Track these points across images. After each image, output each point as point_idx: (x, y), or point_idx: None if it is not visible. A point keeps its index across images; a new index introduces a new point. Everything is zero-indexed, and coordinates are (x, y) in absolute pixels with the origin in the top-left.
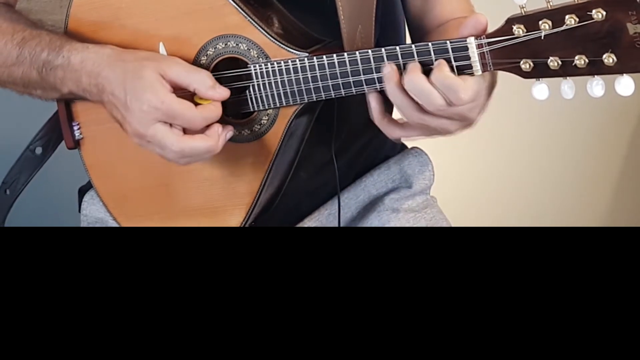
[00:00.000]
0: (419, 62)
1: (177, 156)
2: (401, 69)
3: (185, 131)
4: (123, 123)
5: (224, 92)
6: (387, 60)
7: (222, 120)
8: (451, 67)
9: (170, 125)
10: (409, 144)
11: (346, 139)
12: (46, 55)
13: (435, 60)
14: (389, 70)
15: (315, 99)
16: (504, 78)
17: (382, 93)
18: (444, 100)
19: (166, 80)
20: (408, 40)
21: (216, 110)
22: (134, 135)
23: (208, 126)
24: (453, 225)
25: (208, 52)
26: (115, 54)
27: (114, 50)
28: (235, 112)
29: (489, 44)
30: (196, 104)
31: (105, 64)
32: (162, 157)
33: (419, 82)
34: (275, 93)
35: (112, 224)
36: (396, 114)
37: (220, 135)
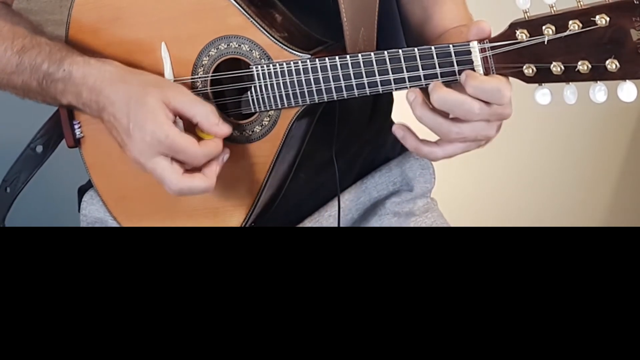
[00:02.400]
0: (421, 65)
1: (174, 192)
2: (403, 72)
3: (184, 165)
4: (123, 147)
5: (226, 130)
6: (390, 63)
7: (223, 120)
8: (453, 72)
9: (171, 158)
10: None
11: (346, 139)
12: (47, 67)
13: (439, 64)
14: (413, 96)
15: (317, 101)
16: None
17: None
18: (480, 104)
19: (170, 109)
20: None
21: (217, 147)
22: (133, 162)
23: (207, 162)
24: (453, 225)
25: (210, 52)
26: (118, 73)
27: (116, 68)
28: (237, 112)
29: (492, 48)
30: (197, 136)
31: (108, 83)
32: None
33: (449, 96)
34: (277, 94)
35: (112, 223)
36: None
37: (217, 173)
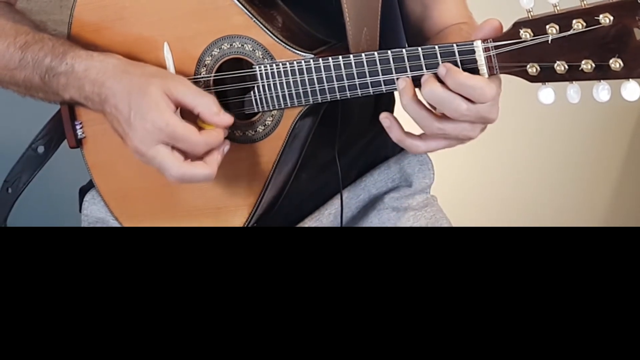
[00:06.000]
0: (425, 64)
1: (175, 180)
2: (407, 70)
3: (185, 154)
4: (124, 137)
5: (228, 120)
6: (393, 62)
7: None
8: None
9: (172, 147)
10: None
11: (347, 139)
12: (49, 61)
13: (443, 63)
14: (404, 84)
15: (320, 101)
16: (504, 79)
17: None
18: (467, 104)
19: (171, 99)
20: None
21: (218, 137)
22: (134, 151)
23: (208, 151)
24: (453, 224)
25: (213, 52)
26: (121, 65)
27: (119, 61)
28: (240, 112)
29: (496, 47)
30: (199, 127)
31: (110, 74)
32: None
33: (439, 91)
34: (280, 94)
35: (113, 223)
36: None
37: (219, 162)
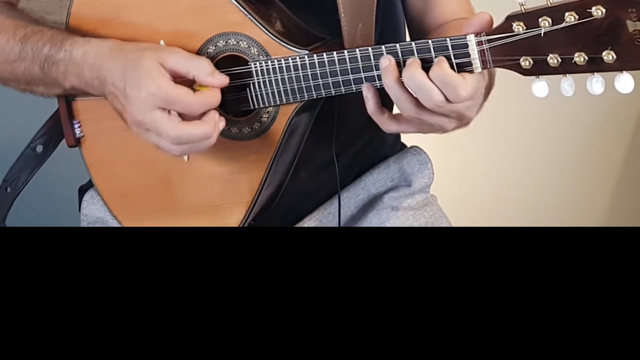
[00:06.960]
0: (419, 59)
1: (173, 142)
2: (401, 66)
3: (183, 118)
4: (123, 112)
5: (223, 79)
6: None
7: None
8: (451, 65)
9: (169, 112)
10: (409, 142)
11: (346, 139)
12: (48, 49)
13: (435, 57)
14: (387, 63)
15: (315, 97)
16: (504, 78)
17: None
18: (443, 97)
19: (166, 68)
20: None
21: (215, 96)
22: (132, 124)
23: (205, 112)
24: (453, 224)
25: (208, 49)
26: (116, 46)
27: (115, 43)
28: (236, 109)
29: (489, 41)
30: (195, 92)
31: (107, 56)
32: (159, 147)
33: (419, 77)
34: (275, 91)
35: (112, 223)
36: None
37: (216, 122)
